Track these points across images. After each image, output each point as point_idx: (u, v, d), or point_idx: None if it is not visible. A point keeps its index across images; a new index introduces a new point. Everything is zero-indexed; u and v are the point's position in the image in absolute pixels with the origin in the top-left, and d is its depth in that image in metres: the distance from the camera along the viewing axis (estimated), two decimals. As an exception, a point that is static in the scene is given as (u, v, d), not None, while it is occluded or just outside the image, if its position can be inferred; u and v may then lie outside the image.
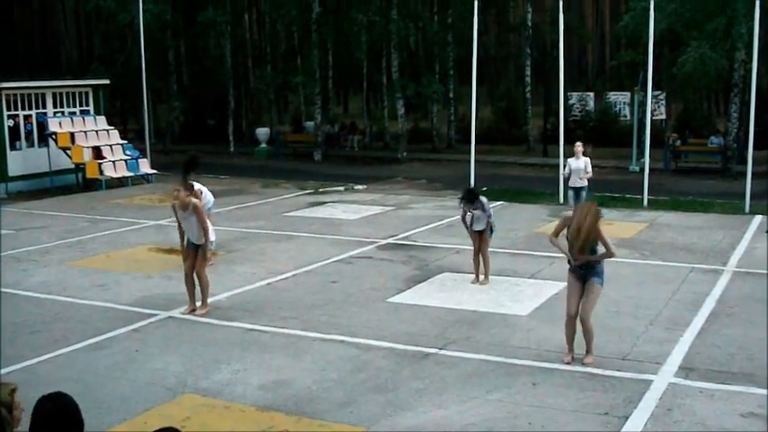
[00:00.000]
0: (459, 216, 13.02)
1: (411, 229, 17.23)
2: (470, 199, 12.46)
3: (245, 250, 15.28)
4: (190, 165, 12.10)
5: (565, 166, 18.21)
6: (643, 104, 27.12)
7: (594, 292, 8.84)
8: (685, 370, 8.71)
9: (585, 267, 8.83)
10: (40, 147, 24.75)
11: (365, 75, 40.10)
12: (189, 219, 10.89)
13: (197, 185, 14.36)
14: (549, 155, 31.06)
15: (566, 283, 12.35)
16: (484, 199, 12.60)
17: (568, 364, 8.88)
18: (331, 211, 19.79)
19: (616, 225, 17.47)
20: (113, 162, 24.93)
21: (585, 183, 17.62)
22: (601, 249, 8.80)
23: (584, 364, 8.83)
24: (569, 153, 18.33)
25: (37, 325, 10.71)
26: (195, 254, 11.03)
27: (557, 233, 9.13)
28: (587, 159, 17.63)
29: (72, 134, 24.50)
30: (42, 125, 24.69)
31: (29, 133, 24.75)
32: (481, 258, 12.61)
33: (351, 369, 8.88)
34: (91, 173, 24.32)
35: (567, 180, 18.08)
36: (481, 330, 10.24)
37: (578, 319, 8.89)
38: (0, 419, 3.90)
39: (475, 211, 12.47)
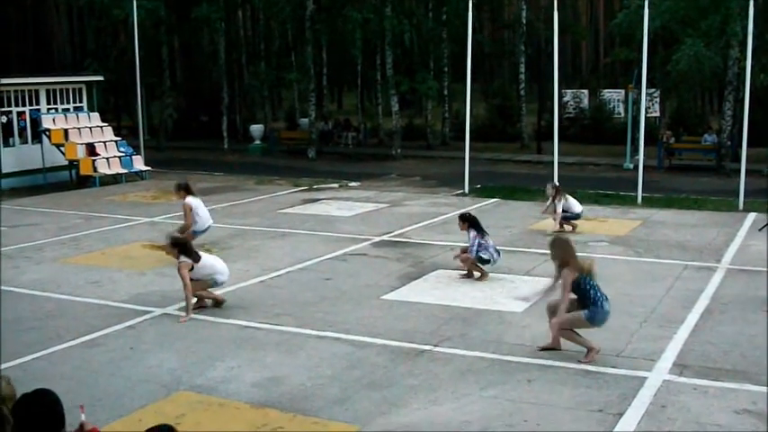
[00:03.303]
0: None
1: (405, 227, 17.23)
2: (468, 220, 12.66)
3: (239, 247, 15.25)
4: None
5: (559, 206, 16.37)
6: (637, 102, 27.12)
7: (575, 313, 8.85)
8: (679, 367, 8.73)
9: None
10: (33, 143, 24.71)
11: (359, 71, 40.09)
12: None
13: (192, 201, 14.14)
14: (543, 152, 31.10)
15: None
16: (473, 233, 12.65)
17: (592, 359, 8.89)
18: (325, 209, 19.78)
19: (610, 222, 17.53)
20: (107, 159, 24.86)
21: (580, 209, 16.45)
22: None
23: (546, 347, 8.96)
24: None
25: (31, 322, 10.69)
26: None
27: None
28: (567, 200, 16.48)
29: (65, 131, 24.43)
30: (36, 122, 24.62)
31: (22, 130, 24.68)
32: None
33: (345, 366, 8.88)
34: (84, 170, 24.25)
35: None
36: (476, 327, 10.24)
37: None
38: (2, 417, 3.90)
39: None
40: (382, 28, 32.28)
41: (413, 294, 11.87)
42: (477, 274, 12.64)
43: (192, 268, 10.77)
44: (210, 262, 11.15)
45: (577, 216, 16.32)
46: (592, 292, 8.80)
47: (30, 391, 4.25)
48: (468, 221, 12.81)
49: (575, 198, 16.75)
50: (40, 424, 3.98)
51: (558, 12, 21.41)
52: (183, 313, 10.77)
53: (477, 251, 12.51)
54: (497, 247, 12.86)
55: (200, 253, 11.18)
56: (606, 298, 8.88)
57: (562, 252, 9.00)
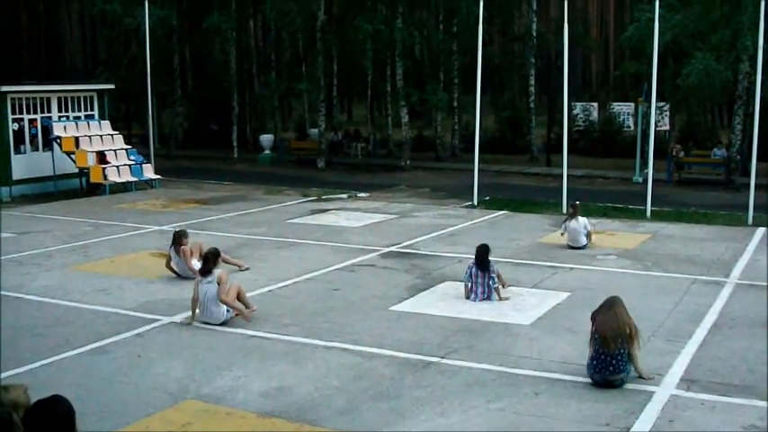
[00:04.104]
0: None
1: (414, 238, 17.23)
2: (483, 262, 12.11)
3: (248, 257, 15.26)
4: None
5: (562, 227, 16.24)
6: (647, 115, 27.10)
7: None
8: (687, 382, 8.71)
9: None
10: (44, 151, 24.78)
11: (370, 82, 40.15)
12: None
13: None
14: (552, 164, 31.10)
15: (568, 293, 12.41)
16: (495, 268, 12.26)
17: None
18: (334, 219, 19.79)
19: (619, 236, 17.49)
20: (117, 167, 24.95)
21: (585, 241, 15.95)
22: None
23: None
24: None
25: (39, 329, 10.73)
26: None
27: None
28: (586, 220, 16.05)
29: (76, 138, 24.55)
30: (47, 129, 24.73)
31: (33, 137, 24.78)
32: None
33: (352, 377, 8.89)
34: (95, 177, 24.35)
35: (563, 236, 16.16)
36: (483, 339, 10.24)
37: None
38: (11, 424, 3.91)
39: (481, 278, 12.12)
40: (393, 39, 32.34)
41: (421, 306, 11.87)
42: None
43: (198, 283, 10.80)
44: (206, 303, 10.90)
45: (579, 248, 15.83)
46: (594, 361, 8.57)
47: (40, 398, 4.26)
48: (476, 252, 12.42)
49: (583, 222, 15.94)
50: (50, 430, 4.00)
51: (568, 24, 21.44)
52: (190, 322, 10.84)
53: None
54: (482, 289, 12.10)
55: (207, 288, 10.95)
56: (597, 370, 8.52)
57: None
